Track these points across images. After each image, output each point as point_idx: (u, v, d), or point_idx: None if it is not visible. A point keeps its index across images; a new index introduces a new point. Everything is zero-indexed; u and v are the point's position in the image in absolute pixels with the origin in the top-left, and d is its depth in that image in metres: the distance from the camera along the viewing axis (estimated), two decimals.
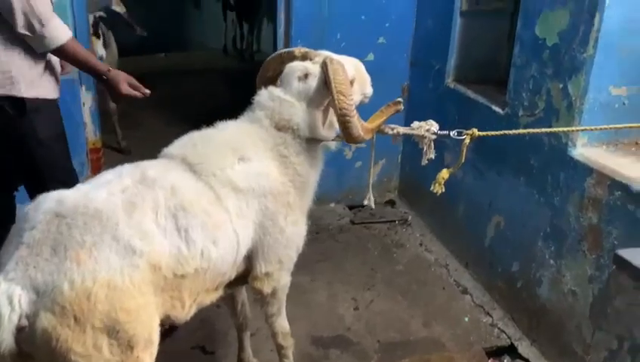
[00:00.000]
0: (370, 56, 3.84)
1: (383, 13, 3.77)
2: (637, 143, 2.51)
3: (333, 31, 3.72)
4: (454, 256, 3.51)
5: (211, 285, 1.87)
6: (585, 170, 2.40)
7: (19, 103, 2.30)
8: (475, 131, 2.06)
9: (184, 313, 1.81)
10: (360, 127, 1.94)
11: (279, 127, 1.99)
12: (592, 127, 2.16)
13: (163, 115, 5.88)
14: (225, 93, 6.99)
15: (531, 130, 2.48)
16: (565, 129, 2.38)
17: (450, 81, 3.48)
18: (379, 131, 2.09)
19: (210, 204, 1.80)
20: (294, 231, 2.03)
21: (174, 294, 1.72)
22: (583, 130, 2.37)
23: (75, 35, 3.39)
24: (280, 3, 3.71)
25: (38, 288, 1.44)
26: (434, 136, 2.08)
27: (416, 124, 2.11)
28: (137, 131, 5.23)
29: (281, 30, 3.78)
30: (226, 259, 1.84)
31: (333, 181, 4.07)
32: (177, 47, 8.71)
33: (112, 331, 1.52)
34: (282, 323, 2.25)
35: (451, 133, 2.07)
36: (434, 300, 3.18)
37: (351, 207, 4.11)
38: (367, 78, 2.19)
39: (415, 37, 3.85)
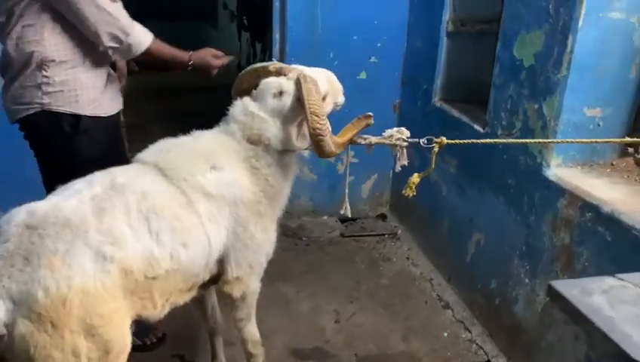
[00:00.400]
0: (363, 75, 3.76)
1: (374, 33, 3.68)
2: (612, 165, 2.38)
3: (326, 50, 3.65)
4: (439, 271, 3.38)
5: (184, 286, 1.83)
6: (558, 190, 2.27)
7: (76, 121, 2.18)
8: (444, 139, 2.03)
9: (156, 312, 1.77)
10: (332, 143, 1.90)
11: (251, 141, 1.95)
12: (554, 140, 2.05)
13: (173, 128, 5.78)
14: None
15: (497, 141, 2.41)
16: (525, 141, 2.26)
17: (436, 100, 3.37)
18: (351, 142, 2.07)
19: (180, 208, 1.77)
20: (264, 238, 1.99)
21: (145, 295, 1.69)
22: (540, 143, 2.25)
23: None
24: (275, 22, 3.65)
25: (13, 297, 1.43)
26: (405, 144, 2.05)
27: (387, 132, 2.07)
28: (146, 143, 5.19)
29: (276, 48, 3.72)
30: (197, 261, 1.80)
31: (326, 195, 3.98)
32: None
33: (89, 335, 1.50)
34: (252, 330, 2.19)
35: (421, 141, 2.03)
36: (415, 314, 3.05)
37: (343, 221, 4.01)
38: (339, 88, 2.13)
39: (406, 56, 3.75)
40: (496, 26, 3.13)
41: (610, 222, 1.99)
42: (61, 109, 2.15)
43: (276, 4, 3.60)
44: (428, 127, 3.39)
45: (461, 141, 2.14)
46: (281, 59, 3.70)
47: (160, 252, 1.67)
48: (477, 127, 2.89)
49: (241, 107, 1.97)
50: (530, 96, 2.43)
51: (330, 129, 1.91)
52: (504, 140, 2.44)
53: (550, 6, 2.28)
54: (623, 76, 2.26)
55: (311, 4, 3.54)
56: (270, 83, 1.97)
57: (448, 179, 3.22)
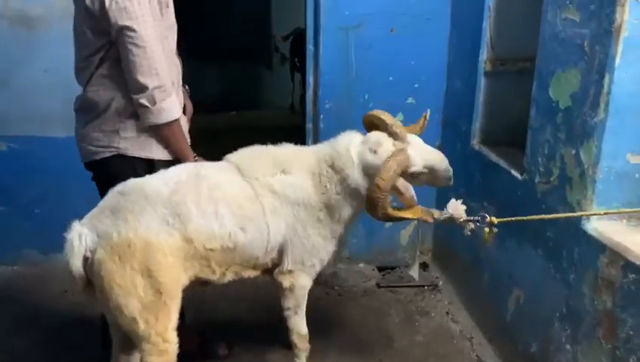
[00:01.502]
0: (400, 116, 3.63)
1: (412, 74, 3.59)
2: None
3: (360, 91, 3.60)
4: (480, 329, 3.14)
5: (245, 262, 2.26)
6: (598, 246, 2.05)
7: (150, 165, 2.31)
8: (493, 219, 2.19)
9: (215, 277, 2.22)
10: (381, 213, 2.17)
11: (333, 167, 2.29)
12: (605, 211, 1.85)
13: None
14: None
15: (548, 216, 2.27)
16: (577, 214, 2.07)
17: (475, 143, 3.21)
18: (420, 218, 2.30)
19: (246, 199, 2.19)
20: (320, 243, 2.34)
21: (203, 262, 2.14)
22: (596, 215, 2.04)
23: None
24: (309, 66, 3.65)
25: (98, 233, 1.98)
26: (462, 219, 2.25)
27: (450, 206, 2.28)
28: None
29: (310, 92, 3.72)
30: (256, 244, 2.21)
31: (363, 241, 3.86)
32: (249, 105, 8.93)
33: (145, 274, 1.98)
34: (298, 323, 2.51)
35: (472, 220, 2.25)
36: None
37: (380, 269, 3.85)
38: (444, 175, 2.32)
39: (446, 97, 3.63)
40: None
41: None
42: (136, 154, 2.29)
43: (310, 47, 3.61)
44: (467, 171, 3.24)
45: (512, 219, 2.24)
46: (314, 103, 3.69)
47: (220, 231, 2.12)
48: (515, 173, 2.71)
49: (347, 140, 2.32)
50: (567, 141, 2.25)
51: (390, 202, 2.21)
52: (550, 216, 2.28)
53: (585, 43, 2.12)
54: None
55: (344, 46, 3.51)
56: (377, 137, 2.28)
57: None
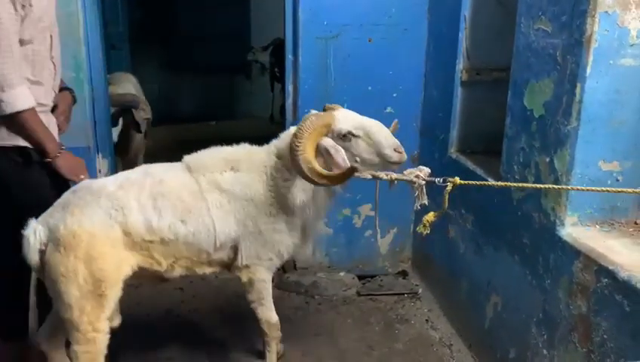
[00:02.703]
0: None
1: (390, 84, 3.62)
2: (636, 223, 2.18)
3: (339, 100, 3.48)
4: (459, 336, 3.17)
5: (195, 257, 2.38)
6: (572, 252, 2.09)
7: (25, 153, 2.34)
8: (457, 179, 2.14)
9: (162, 269, 2.35)
10: (307, 167, 2.15)
11: (278, 156, 2.40)
12: (565, 187, 1.90)
13: None
14: None
15: (508, 184, 2.33)
16: (535, 186, 2.11)
17: (452, 151, 3.25)
18: (374, 177, 2.24)
19: (189, 194, 2.31)
20: (275, 238, 2.42)
21: (145, 253, 2.29)
22: (549, 188, 2.08)
23: (95, 126, 3.53)
24: (288, 75, 3.68)
25: (50, 227, 2.17)
26: (423, 182, 2.19)
27: (408, 170, 2.23)
28: None
29: (289, 101, 3.73)
30: (201, 238, 2.33)
31: (343, 249, 3.88)
32: (227, 115, 8.91)
33: (88, 263, 2.14)
34: (266, 313, 2.60)
35: (436, 180, 2.17)
36: None
37: (360, 277, 3.86)
38: (381, 142, 2.29)
39: (423, 106, 3.67)
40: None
41: (629, 289, 1.80)
42: (7, 143, 2.30)
43: (289, 56, 3.63)
44: None
45: (473, 182, 2.22)
46: (294, 111, 3.72)
47: (159, 223, 2.26)
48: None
49: (292, 128, 2.38)
50: (542, 149, 2.29)
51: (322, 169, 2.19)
52: (513, 184, 2.36)
53: (558, 53, 2.17)
54: None
55: (323, 56, 3.54)
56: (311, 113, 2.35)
57: (466, 236, 3.06)
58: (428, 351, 3.12)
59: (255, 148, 2.50)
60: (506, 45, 2.95)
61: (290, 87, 3.69)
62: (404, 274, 3.94)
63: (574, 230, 2.16)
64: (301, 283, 3.68)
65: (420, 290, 3.71)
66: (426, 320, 3.42)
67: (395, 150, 2.27)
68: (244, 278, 2.50)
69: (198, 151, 2.48)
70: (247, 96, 9.15)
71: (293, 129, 2.33)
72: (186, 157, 2.46)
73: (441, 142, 3.38)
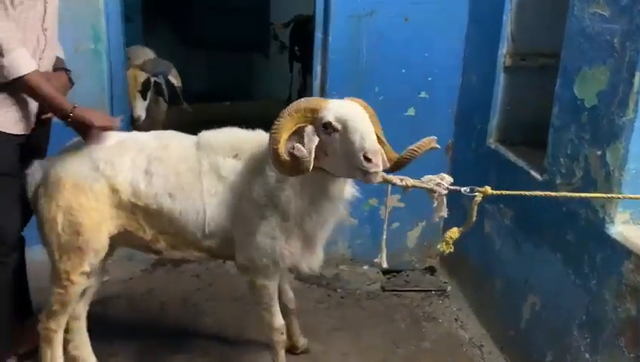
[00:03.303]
0: (411, 111, 3.71)
1: (425, 67, 3.64)
2: None
3: (370, 84, 3.63)
4: (490, 337, 3.20)
5: (180, 236, 2.40)
6: (623, 251, 2.11)
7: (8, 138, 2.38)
8: (488, 189, 2.04)
9: (147, 238, 2.42)
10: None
11: None
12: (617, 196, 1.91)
13: None
14: None
15: (549, 193, 2.20)
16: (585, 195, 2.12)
17: (491, 142, 3.26)
18: (385, 181, 2.09)
19: (187, 171, 2.34)
20: (267, 242, 2.33)
21: (130, 216, 2.37)
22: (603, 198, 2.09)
23: (111, 101, 3.60)
24: (316, 53, 3.68)
25: (43, 170, 2.38)
26: (445, 191, 2.06)
27: (427, 177, 2.11)
28: None
29: (316, 82, 3.74)
30: (189, 219, 2.35)
31: (367, 242, 3.91)
32: (243, 95, 8.95)
33: (67, 213, 2.29)
34: (267, 317, 2.55)
35: (462, 190, 2.04)
36: None
37: (385, 272, 3.90)
38: (354, 139, 1.98)
39: (460, 93, 3.68)
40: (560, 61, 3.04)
41: None
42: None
43: (318, 35, 3.64)
44: (482, 172, 3.29)
45: (508, 192, 2.09)
46: (322, 94, 3.72)
47: (146, 189, 2.33)
48: (534, 174, 2.76)
49: None
50: (593, 141, 2.31)
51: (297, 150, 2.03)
52: (559, 194, 2.30)
53: (615, 39, 2.17)
54: None
55: (355, 35, 3.55)
56: None
57: (502, 232, 3.07)
58: (457, 352, 3.16)
59: (266, 138, 2.32)
60: (555, 29, 2.96)
61: (318, 68, 3.71)
62: (431, 270, 3.97)
63: (625, 228, 2.17)
64: (322, 276, 3.72)
65: (449, 288, 3.75)
66: (455, 319, 3.46)
67: (365, 156, 1.93)
68: (246, 278, 2.50)
69: (217, 129, 2.48)
70: (264, 75, 9.18)
71: None
72: (201, 133, 2.48)
73: (479, 131, 3.39)
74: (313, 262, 2.46)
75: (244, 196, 2.31)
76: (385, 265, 2.39)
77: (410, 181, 2.09)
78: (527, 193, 2.12)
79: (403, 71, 3.63)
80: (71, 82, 2.71)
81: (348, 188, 2.31)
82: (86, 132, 2.34)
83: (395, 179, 2.08)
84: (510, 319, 2.96)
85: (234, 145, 2.37)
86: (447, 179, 2.08)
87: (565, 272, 2.47)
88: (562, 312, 2.49)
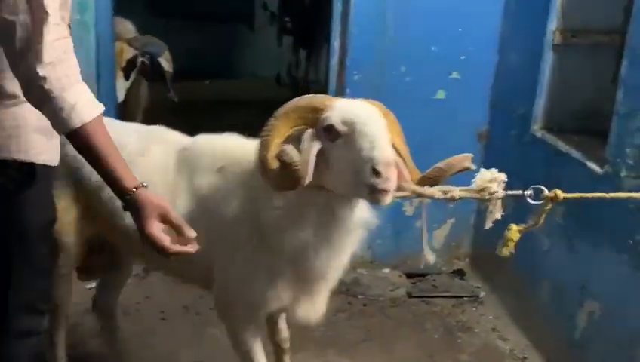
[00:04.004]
0: (441, 94, 3.75)
1: (458, 44, 3.68)
2: None
3: (396, 63, 3.66)
4: (535, 348, 3.27)
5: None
6: None
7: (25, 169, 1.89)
8: (559, 193, 1.90)
9: (122, 250, 2.55)
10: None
11: None
12: None
13: None
14: None
15: (633, 195, 2.23)
16: None
17: (537, 129, 3.31)
18: (419, 195, 1.88)
19: (163, 185, 2.17)
20: (243, 280, 2.12)
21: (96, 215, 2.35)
22: None
23: (98, 78, 3.55)
24: (335, 28, 3.69)
25: None
26: (501, 195, 1.90)
27: (478, 180, 1.90)
28: None
29: (334, 59, 3.75)
30: None
31: (389, 242, 3.95)
32: (225, 73, 8.91)
33: None
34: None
35: (526, 195, 1.91)
36: None
37: (409, 275, 3.95)
38: (362, 146, 1.74)
39: (497, 74, 3.72)
40: (617, 39, 3.10)
41: None
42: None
43: (337, 4, 3.65)
44: (525, 163, 3.34)
45: (585, 195, 2.01)
46: (340, 73, 3.74)
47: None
48: (592, 166, 2.81)
49: None
50: None
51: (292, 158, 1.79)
52: None
53: None
54: None
55: (380, 6, 3.57)
56: None
57: (552, 230, 3.12)
58: None
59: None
60: (610, 3, 3.02)
61: (335, 44, 3.72)
62: (460, 273, 4.04)
63: None
64: (341, 280, 3.74)
65: (482, 293, 3.81)
66: (492, 328, 3.52)
67: (374, 168, 1.67)
68: (220, 316, 2.33)
69: (212, 136, 2.31)
70: (249, 51, 9.15)
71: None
72: (192, 141, 2.34)
73: (521, 117, 3.44)
74: (310, 312, 2.17)
75: (224, 219, 2.10)
76: (431, 260, 2.18)
77: (456, 192, 1.87)
78: (607, 195, 2.04)
79: (433, 48, 3.67)
80: None
81: (362, 212, 1.98)
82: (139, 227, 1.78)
83: (433, 191, 1.87)
84: (561, 328, 3.02)
85: (219, 156, 2.19)
86: (500, 178, 1.90)
87: (633, 275, 2.53)
88: (629, 321, 2.55)
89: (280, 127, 1.83)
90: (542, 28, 3.23)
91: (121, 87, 4.14)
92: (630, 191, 2.55)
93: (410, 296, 3.78)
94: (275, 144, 1.81)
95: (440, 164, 1.90)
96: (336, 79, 3.76)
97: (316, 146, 1.80)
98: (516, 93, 3.50)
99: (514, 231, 1.99)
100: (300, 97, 1.90)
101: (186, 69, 8.67)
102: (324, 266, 2.01)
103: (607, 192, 2.61)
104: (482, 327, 3.52)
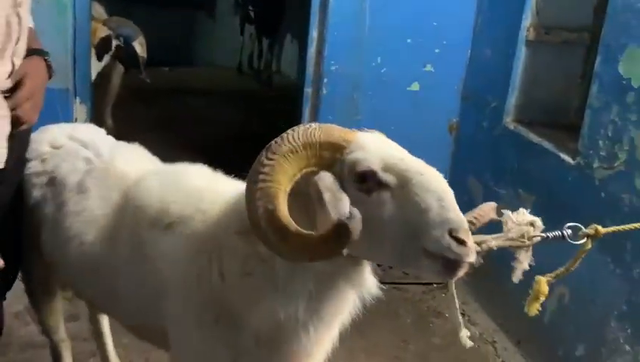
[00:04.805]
0: (415, 86, 3.87)
1: (433, 37, 3.81)
2: None
3: (373, 54, 3.77)
4: (504, 332, 3.44)
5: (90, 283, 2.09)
6: None
7: None
8: (600, 229, 1.70)
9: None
10: (264, 210, 1.34)
11: (241, 222, 1.52)
12: None
13: (165, 139, 5.89)
14: (237, 119, 7.09)
15: None
16: None
17: (509, 121, 3.46)
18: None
19: (101, 241, 1.97)
20: (203, 347, 1.71)
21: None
22: None
23: (74, 64, 3.53)
24: (313, 16, 3.75)
25: None
26: (537, 240, 1.72)
27: (512, 225, 1.67)
28: None
29: (312, 49, 3.82)
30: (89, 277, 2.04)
31: None
32: (185, 61, 8.87)
33: None
34: None
35: (565, 235, 1.75)
36: None
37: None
38: (429, 205, 1.35)
39: (469, 67, 3.86)
40: (587, 37, 3.28)
41: None
42: None
43: None
44: (497, 154, 3.48)
45: (622, 227, 1.82)
46: (318, 63, 3.81)
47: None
48: (564, 157, 2.97)
49: None
50: None
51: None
52: None
53: None
54: None
55: None
56: None
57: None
58: (469, 348, 3.35)
59: (222, 193, 1.78)
60: (582, 2, 3.18)
61: (314, 33, 3.79)
62: None
63: None
64: None
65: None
66: (462, 313, 3.64)
67: (451, 234, 1.33)
68: None
69: (163, 171, 2.07)
70: (208, 39, 9.12)
71: None
72: (139, 178, 2.01)
73: (493, 110, 3.58)
74: None
75: (174, 286, 1.75)
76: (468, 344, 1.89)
77: (492, 242, 1.64)
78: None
79: (408, 41, 3.79)
80: (50, 73, 2.10)
81: (369, 278, 1.73)
82: None
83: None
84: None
85: (168, 209, 1.81)
86: (538, 225, 1.73)
87: (602, 261, 2.69)
88: (597, 303, 2.72)
89: (287, 170, 1.38)
90: (516, 24, 3.38)
91: (94, 67, 4.12)
92: (601, 180, 2.72)
93: (382, 282, 3.87)
94: (284, 193, 1.37)
95: (468, 216, 1.54)
96: (314, 69, 3.84)
97: (346, 199, 1.37)
98: (489, 86, 3.64)
99: (543, 285, 1.84)
100: (304, 127, 1.45)
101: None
102: (312, 346, 1.64)
103: (579, 182, 2.80)
104: (452, 312, 3.64)
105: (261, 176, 1.36)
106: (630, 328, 2.54)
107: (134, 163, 2.13)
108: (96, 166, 2.12)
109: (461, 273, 1.43)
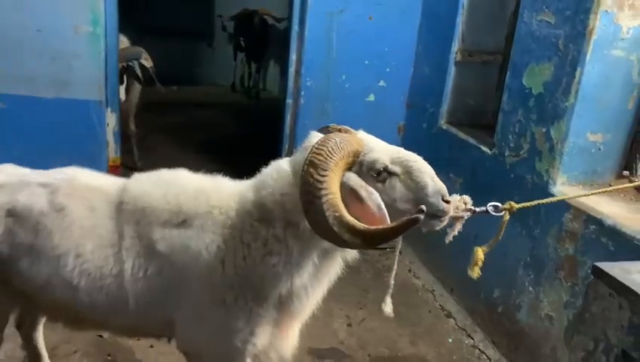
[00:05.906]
0: (371, 97, 4.00)
1: (384, 59, 3.93)
2: (610, 185, 2.64)
3: (339, 72, 3.88)
4: (440, 283, 3.59)
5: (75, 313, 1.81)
6: (563, 205, 2.51)
7: None
8: (513, 205, 1.86)
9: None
10: (334, 217, 1.38)
11: (260, 207, 1.64)
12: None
13: (175, 140, 6.01)
14: (231, 125, 7.21)
15: (566, 197, 2.34)
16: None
17: (443, 123, 3.61)
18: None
19: (97, 248, 1.71)
20: (222, 334, 1.69)
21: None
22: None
23: (106, 81, 3.57)
24: (293, 43, 3.85)
25: None
26: (468, 214, 1.82)
27: (453, 201, 1.72)
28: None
29: (292, 69, 3.92)
30: (95, 296, 1.74)
31: None
32: (189, 81, 8.90)
33: None
34: None
35: (489, 210, 1.88)
36: (420, 322, 3.24)
37: None
38: (426, 183, 1.57)
39: (412, 82, 4.00)
40: (500, 57, 3.44)
41: (613, 233, 2.24)
42: None
43: (295, 27, 3.82)
44: (434, 148, 3.63)
45: (531, 203, 1.97)
46: (296, 80, 3.92)
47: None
48: (484, 148, 3.13)
49: (276, 164, 1.70)
50: (539, 121, 2.69)
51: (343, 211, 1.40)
52: (575, 195, 2.37)
53: (560, 42, 2.55)
54: (622, 107, 2.54)
55: (327, 30, 3.78)
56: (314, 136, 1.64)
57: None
58: (414, 296, 3.51)
59: (227, 189, 1.74)
60: (497, 32, 3.34)
61: (293, 56, 3.89)
62: None
63: (564, 188, 2.58)
64: None
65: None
66: (409, 270, 3.82)
67: (443, 199, 1.59)
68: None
69: (148, 181, 1.79)
70: (207, 63, 9.16)
71: (283, 162, 1.66)
72: (128, 185, 1.79)
73: (431, 115, 3.73)
74: (284, 348, 1.83)
75: (192, 275, 1.67)
76: (389, 310, 1.98)
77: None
78: (548, 200, 2.08)
79: (366, 62, 3.91)
80: None
81: None
82: None
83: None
84: (459, 267, 3.30)
85: (180, 208, 1.69)
86: (469, 202, 1.82)
87: (512, 225, 2.84)
88: (509, 257, 2.88)
89: (335, 180, 1.44)
90: (447, 48, 3.52)
91: (122, 89, 4.21)
92: (511, 165, 2.88)
93: None
94: (341, 200, 1.42)
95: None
96: (293, 84, 3.93)
97: (376, 192, 1.49)
98: (427, 96, 3.79)
99: (480, 253, 2.02)
100: (328, 139, 1.47)
101: (158, 77, 8.64)
102: (310, 303, 1.78)
103: (495, 167, 2.95)
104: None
105: (323, 192, 1.39)
106: (532, 274, 2.71)
107: (94, 176, 1.88)
108: (60, 185, 1.79)
109: (445, 221, 1.66)
